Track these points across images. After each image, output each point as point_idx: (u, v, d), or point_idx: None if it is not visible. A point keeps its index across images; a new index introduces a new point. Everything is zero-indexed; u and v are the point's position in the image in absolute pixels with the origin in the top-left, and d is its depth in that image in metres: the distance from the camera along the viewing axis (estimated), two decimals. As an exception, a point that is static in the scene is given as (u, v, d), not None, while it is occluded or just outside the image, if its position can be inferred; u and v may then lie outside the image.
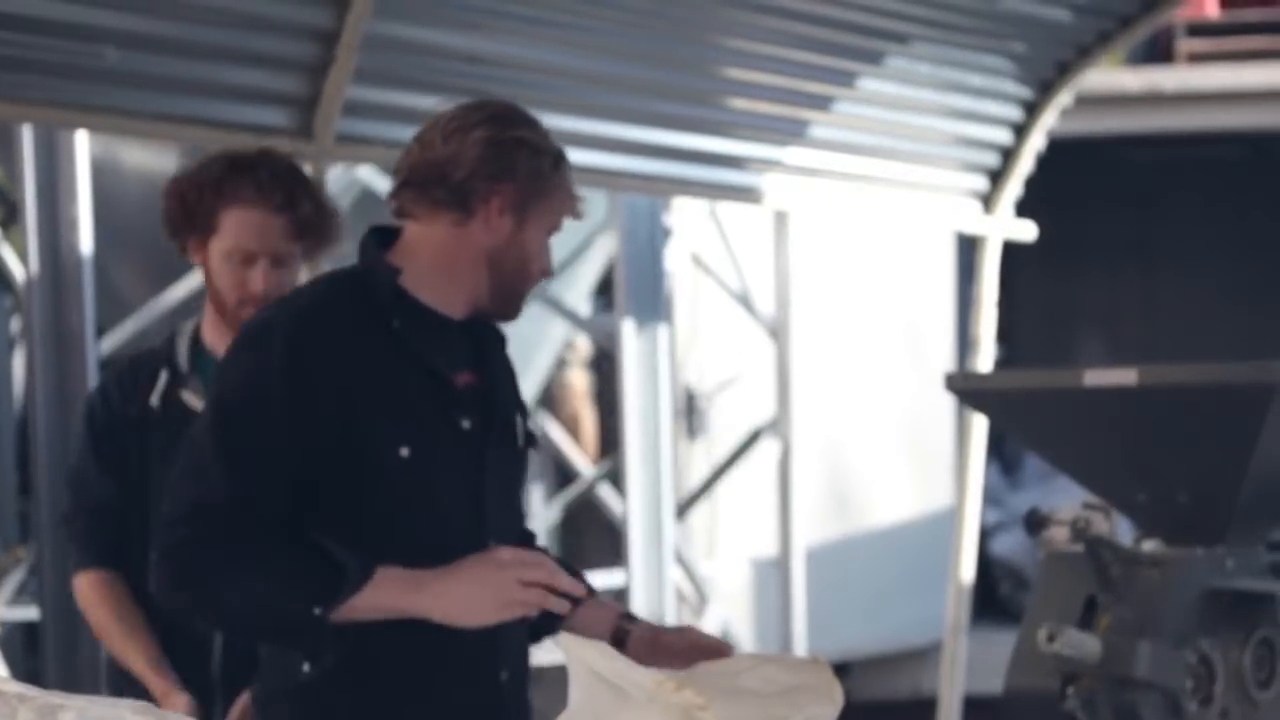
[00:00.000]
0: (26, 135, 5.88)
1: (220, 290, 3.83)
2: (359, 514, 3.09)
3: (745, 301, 8.39)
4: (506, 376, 3.31)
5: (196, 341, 3.90)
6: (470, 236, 3.15)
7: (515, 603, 3.09)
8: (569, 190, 3.21)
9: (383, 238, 3.22)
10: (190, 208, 3.83)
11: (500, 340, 3.32)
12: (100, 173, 6.44)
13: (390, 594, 3.06)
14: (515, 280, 3.19)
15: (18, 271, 6.43)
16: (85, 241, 5.94)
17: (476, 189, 3.13)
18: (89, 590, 3.84)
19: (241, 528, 3.02)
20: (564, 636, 2.55)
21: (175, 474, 3.11)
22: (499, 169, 3.12)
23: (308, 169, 4.91)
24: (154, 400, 3.86)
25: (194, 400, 3.83)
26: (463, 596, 3.07)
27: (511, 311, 3.23)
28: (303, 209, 3.81)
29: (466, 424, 3.16)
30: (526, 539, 3.37)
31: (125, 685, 3.75)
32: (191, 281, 7.68)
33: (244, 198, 3.79)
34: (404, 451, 3.09)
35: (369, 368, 3.09)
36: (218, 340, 3.84)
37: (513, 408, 3.28)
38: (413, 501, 3.11)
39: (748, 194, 5.83)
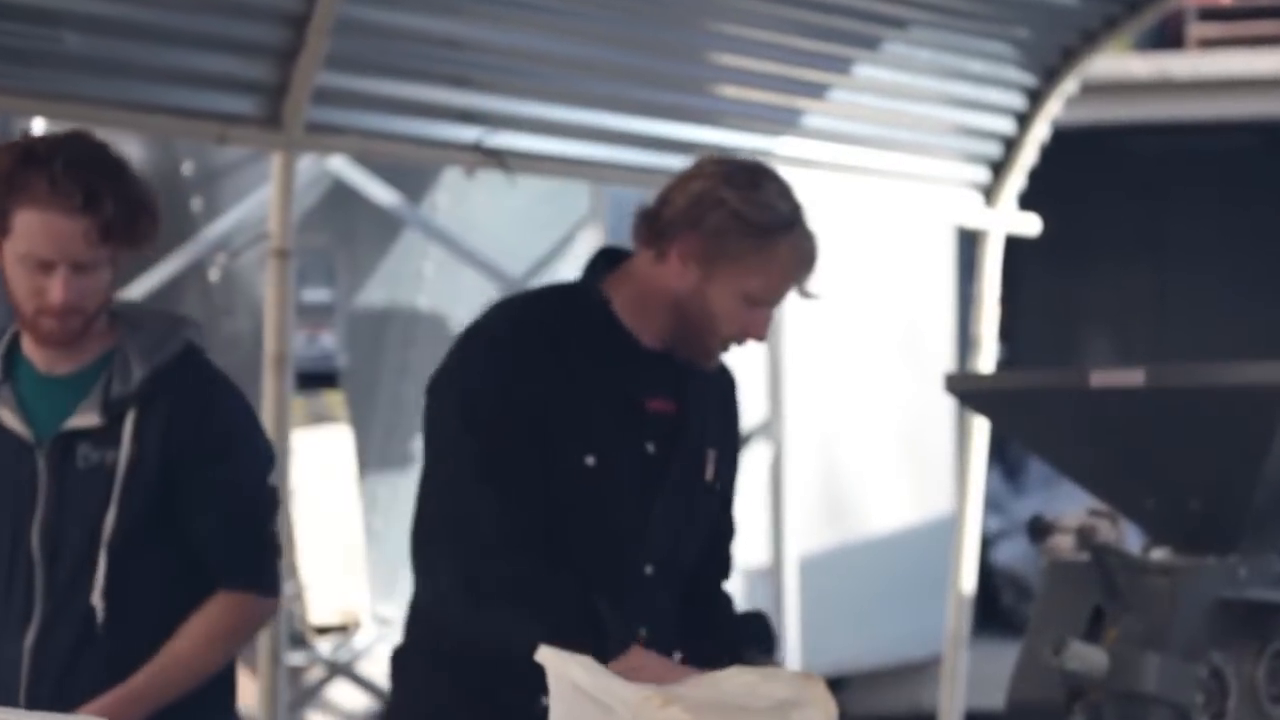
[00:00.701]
0: (-19, 123, 5.87)
1: (16, 298, 3.45)
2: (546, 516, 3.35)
3: (735, 298, 8.37)
4: (711, 411, 3.53)
5: (14, 349, 3.55)
6: (662, 276, 3.41)
7: None
8: (774, 264, 3.40)
9: (612, 258, 3.49)
10: None
11: (716, 378, 3.55)
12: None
13: None
14: (700, 332, 3.43)
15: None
16: (42, 235, 5.91)
17: (668, 232, 3.39)
18: None
19: (511, 542, 3.30)
20: (544, 650, 2.56)
21: (429, 486, 3.38)
22: (691, 219, 3.38)
23: (276, 159, 4.93)
24: None
25: (6, 415, 3.50)
26: None
27: (699, 359, 3.47)
28: (106, 209, 3.40)
29: (651, 448, 3.41)
30: (709, 583, 3.57)
31: None
32: (155, 277, 7.68)
33: (37, 197, 3.38)
34: (589, 460, 3.34)
35: (569, 379, 3.36)
36: (32, 348, 3.52)
37: (707, 442, 3.49)
38: (588, 511, 3.36)
39: (738, 186, 5.82)
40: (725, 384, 3.60)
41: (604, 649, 3.21)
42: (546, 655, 2.55)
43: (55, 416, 3.48)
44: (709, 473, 3.50)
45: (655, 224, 3.40)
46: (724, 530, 3.62)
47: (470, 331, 3.46)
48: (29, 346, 3.52)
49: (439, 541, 3.38)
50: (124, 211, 3.42)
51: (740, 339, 3.45)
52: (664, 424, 3.43)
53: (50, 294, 3.40)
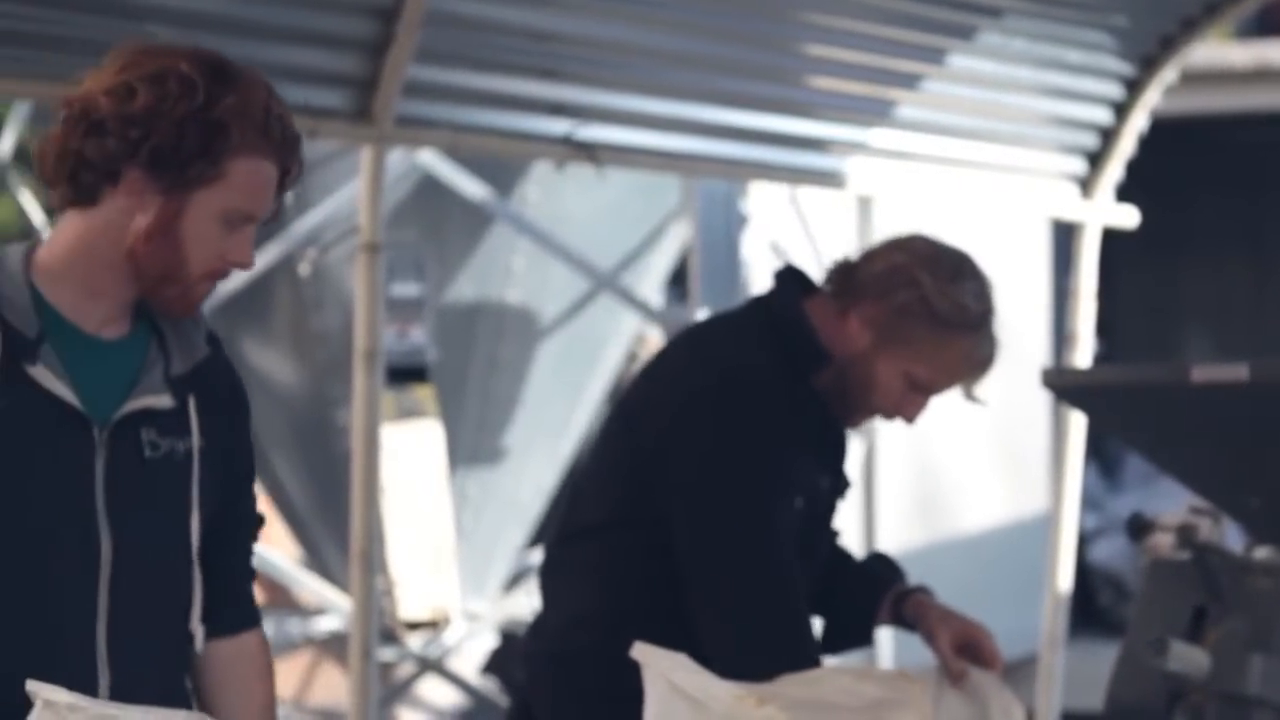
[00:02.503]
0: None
1: (188, 256, 2.78)
2: None
3: (827, 292, 8.37)
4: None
5: (37, 295, 2.76)
6: (838, 330, 3.47)
7: None
8: (946, 358, 3.47)
9: (802, 281, 3.54)
10: (192, 146, 2.75)
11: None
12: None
13: None
14: (854, 396, 3.51)
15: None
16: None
17: (857, 293, 3.46)
18: None
19: (799, 601, 3.43)
20: (639, 647, 2.56)
21: (704, 558, 3.36)
22: (882, 289, 3.45)
23: (366, 153, 4.95)
24: None
25: (51, 380, 2.71)
26: None
27: (844, 419, 3.55)
28: (301, 159, 2.90)
29: (825, 483, 3.52)
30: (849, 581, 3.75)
31: None
32: (244, 271, 7.71)
33: (258, 144, 2.82)
34: (799, 502, 3.42)
35: (795, 422, 3.44)
36: (72, 300, 2.77)
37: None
38: (797, 554, 3.45)
39: (830, 178, 5.81)
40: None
41: None
42: (642, 652, 2.55)
43: (109, 390, 2.76)
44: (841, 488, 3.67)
45: (848, 280, 3.47)
46: None
47: (722, 372, 3.45)
48: (63, 297, 2.76)
49: (752, 595, 3.39)
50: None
51: (890, 416, 3.53)
52: (830, 459, 3.55)
53: (239, 254, 2.83)
